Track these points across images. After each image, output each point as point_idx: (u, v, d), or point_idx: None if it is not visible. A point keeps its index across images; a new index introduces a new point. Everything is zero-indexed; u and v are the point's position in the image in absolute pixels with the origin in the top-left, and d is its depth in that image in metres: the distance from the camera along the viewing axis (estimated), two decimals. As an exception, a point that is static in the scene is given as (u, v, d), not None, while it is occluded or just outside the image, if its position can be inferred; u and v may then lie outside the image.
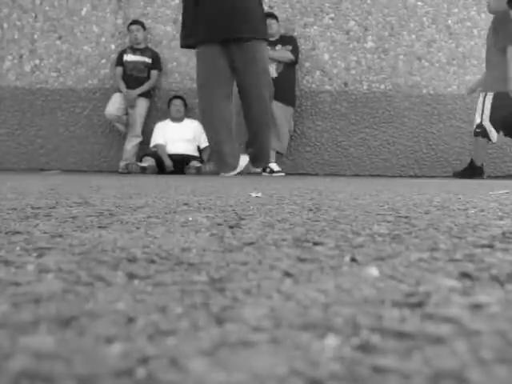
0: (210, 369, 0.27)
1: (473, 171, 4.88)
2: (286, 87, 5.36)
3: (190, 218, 0.99)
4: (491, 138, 4.76)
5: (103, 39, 5.98)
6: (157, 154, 5.41)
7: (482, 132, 4.77)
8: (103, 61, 5.97)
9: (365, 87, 5.78)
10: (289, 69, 5.43)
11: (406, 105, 5.76)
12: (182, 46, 4.56)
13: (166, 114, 5.69)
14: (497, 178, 5.60)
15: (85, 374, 0.26)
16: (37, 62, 6.02)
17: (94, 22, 5.97)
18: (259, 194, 1.74)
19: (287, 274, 0.51)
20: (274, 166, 5.38)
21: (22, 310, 0.38)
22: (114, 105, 5.60)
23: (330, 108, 5.82)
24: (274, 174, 5.26)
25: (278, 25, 5.49)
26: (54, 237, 0.74)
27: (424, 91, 5.77)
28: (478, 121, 4.80)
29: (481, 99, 4.78)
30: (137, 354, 0.29)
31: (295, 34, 5.69)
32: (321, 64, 5.82)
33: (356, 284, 0.47)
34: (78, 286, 0.46)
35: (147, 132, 5.60)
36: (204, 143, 5.64)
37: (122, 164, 5.50)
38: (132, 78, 5.63)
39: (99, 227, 0.85)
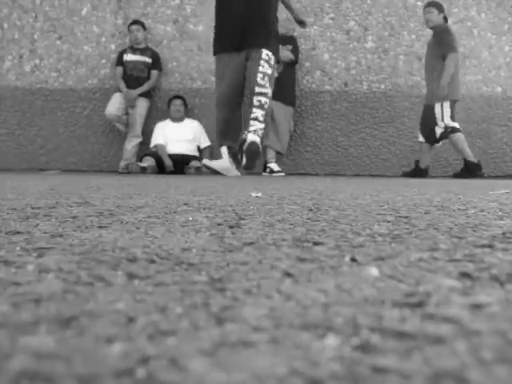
0: (210, 369, 0.27)
1: (419, 172, 5.09)
2: (286, 87, 5.36)
3: (190, 218, 0.99)
4: (458, 128, 4.97)
5: (103, 39, 5.98)
6: (157, 154, 5.41)
7: (452, 128, 4.95)
8: (103, 61, 5.97)
9: (365, 87, 5.78)
10: (289, 69, 5.43)
11: (406, 105, 5.76)
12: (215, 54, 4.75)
13: (165, 114, 5.69)
14: (497, 177, 5.60)
15: (85, 374, 0.26)
16: (37, 61, 6.03)
17: (94, 22, 5.97)
18: (259, 194, 1.74)
19: (287, 274, 0.51)
20: (274, 165, 5.37)
21: (21, 310, 0.38)
22: (114, 105, 5.60)
23: (329, 108, 5.82)
24: (274, 174, 5.25)
25: (279, 25, 5.49)
26: (54, 237, 0.74)
27: (424, 91, 5.77)
28: (442, 125, 4.98)
29: (438, 109, 4.97)
30: (137, 354, 0.29)
31: (295, 33, 5.68)
32: (321, 64, 5.82)
33: (356, 284, 0.47)
34: (78, 286, 0.46)
35: (147, 132, 5.60)
36: (204, 143, 5.64)
37: (122, 164, 5.50)
38: (132, 78, 5.63)
39: (99, 227, 0.85)
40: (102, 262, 0.57)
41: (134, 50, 5.70)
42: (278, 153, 5.44)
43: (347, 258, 0.60)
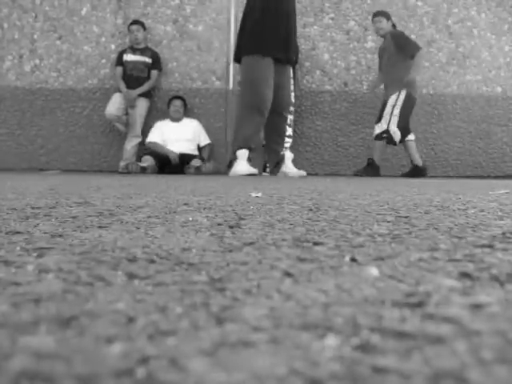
0: (210, 369, 0.27)
1: (373, 171, 5.18)
2: None
3: (190, 218, 0.99)
4: (396, 141, 5.11)
5: (103, 39, 5.98)
6: (156, 153, 5.40)
7: (388, 137, 5.09)
8: (103, 61, 5.97)
9: (365, 87, 5.78)
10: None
11: (406, 105, 5.76)
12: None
13: (165, 114, 5.69)
14: (497, 177, 5.60)
15: (85, 374, 0.26)
16: (37, 61, 6.03)
17: (93, 22, 5.97)
18: (259, 194, 1.74)
19: (287, 274, 0.51)
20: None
21: (21, 310, 0.38)
22: (114, 105, 5.60)
23: (329, 108, 5.82)
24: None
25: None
26: (54, 237, 0.74)
27: (424, 91, 5.77)
28: (384, 127, 5.08)
29: (389, 108, 5.08)
30: (137, 354, 0.29)
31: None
32: (321, 64, 5.82)
33: (356, 284, 0.47)
34: (78, 286, 0.46)
35: (147, 132, 5.60)
36: (204, 141, 5.64)
37: (122, 164, 5.50)
38: (132, 78, 5.63)
39: (99, 227, 0.85)
40: (101, 261, 0.57)
41: (133, 50, 5.70)
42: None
43: (347, 258, 0.60)
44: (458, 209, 1.27)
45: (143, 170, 5.25)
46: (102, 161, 5.99)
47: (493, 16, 5.83)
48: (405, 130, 5.13)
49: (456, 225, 0.93)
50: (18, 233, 0.78)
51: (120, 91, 5.64)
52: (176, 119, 5.60)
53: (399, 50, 5.12)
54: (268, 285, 0.47)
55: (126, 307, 0.39)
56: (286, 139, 5.09)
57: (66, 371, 0.27)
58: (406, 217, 1.06)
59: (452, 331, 0.34)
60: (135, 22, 5.72)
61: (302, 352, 0.30)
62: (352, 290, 0.45)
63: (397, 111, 5.08)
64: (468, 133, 5.73)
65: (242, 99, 4.85)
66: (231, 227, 0.87)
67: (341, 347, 0.31)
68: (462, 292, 0.44)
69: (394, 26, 5.36)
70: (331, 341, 0.32)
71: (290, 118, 5.22)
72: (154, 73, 5.72)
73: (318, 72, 5.84)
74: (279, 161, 4.96)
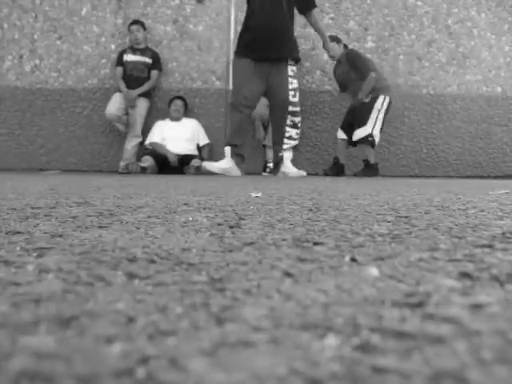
0: (210, 369, 0.27)
1: (372, 171, 5.20)
2: None
3: (190, 218, 0.99)
4: (375, 145, 5.19)
5: (103, 39, 5.98)
6: (156, 153, 5.40)
7: (372, 141, 5.12)
8: (103, 61, 5.97)
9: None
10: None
11: (406, 105, 5.76)
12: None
13: (166, 114, 5.69)
14: (497, 178, 5.60)
15: (85, 374, 0.26)
16: (37, 61, 6.02)
17: (93, 22, 5.97)
18: (259, 194, 1.74)
19: (287, 274, 0.51)
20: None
21: (22, 310, 0.38)
22: (115, 105, 5.60)
23: (329, 108, 5.82)
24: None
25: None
26: (54, 237, 0.74)
27: (424, 91, 5.77)
28: (368, 130, 5.10)
29: (375, 112, 5.11)
30: (137, 354, 0.29)
31: (295, 33, 5.68)
32: (321, 64, 5.82)
33: (356, 284, 0.47)
34: (78, 286, 0.46)
35: (147, 132, 5.60)
36: (202, 141, 5.64)
37: (122, 164, 5.50)
38: (132, 78, 5.63)
39: (99, 227, 0.85)
40: (101, 261, 0.57)
41: (134, 50, 5.69)
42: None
43: (347, 258, 0.60)
44: (458, 209, 1.27)
45: (143, 170, 5.25)
46: (101, 161, 5.99)
47: (493, 16, 5.82)
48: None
49: (456, 225, 0.93)
50: (18, 233, 0.78)
51: (120, 91, 5.64)
52: (176, 119, 5.60)
53: (352, 70, 5.18)
54: (268, 285, 0.47)
55: (126, 307, 0.39)
56: (286, 140, 5.07)
57: (66, 371, 0.27)
58: (406, 217, 1.06)
59: (452, 331, 0.34)
60: (135, 22, 5.72)
61: (302, 352, 0.30)
62: (352, 289, 0.45)
63: (381, 116, 5.12)
64: (468, 133, 5.72)
65: None
66: (231, 227, 0.87)
67: (341, 347, 0.31)
68: (461, 292, 0.44)
69: (345, 46, 5.40)
70: (331, 341, 0.32)
71: (293, 119, 5.20)
72: (154, 73, 5.71)
73: (318, 72, 5.84)
74: (278, 161, 4.95)
